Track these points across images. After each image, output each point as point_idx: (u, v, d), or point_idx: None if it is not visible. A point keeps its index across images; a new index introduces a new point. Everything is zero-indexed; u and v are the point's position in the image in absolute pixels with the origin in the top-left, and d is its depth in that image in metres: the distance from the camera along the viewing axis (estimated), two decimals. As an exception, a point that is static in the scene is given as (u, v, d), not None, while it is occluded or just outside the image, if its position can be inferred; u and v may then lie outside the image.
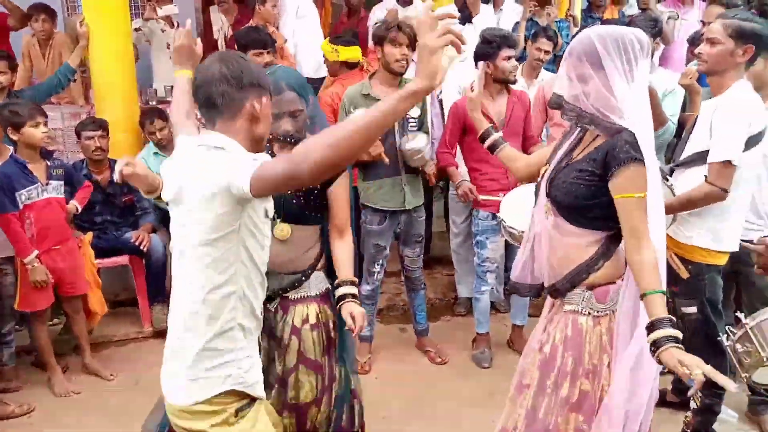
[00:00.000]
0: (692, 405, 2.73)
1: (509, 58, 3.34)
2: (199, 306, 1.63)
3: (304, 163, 1.37)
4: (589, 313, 1.88)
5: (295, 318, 2.16)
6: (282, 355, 2.16)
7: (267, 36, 3.71)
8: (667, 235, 2.68)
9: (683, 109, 3.55)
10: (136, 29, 5.08)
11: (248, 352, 1.70)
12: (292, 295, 2.17)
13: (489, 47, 3.33)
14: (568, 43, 4.64)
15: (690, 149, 2.61)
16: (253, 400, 1.72)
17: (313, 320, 2.17)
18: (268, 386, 2.00)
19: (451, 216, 4.14)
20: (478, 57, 3.40)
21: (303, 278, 2.16)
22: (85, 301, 3.46)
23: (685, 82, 3.18)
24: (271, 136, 2.00)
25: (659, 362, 1.66)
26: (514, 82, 3.46)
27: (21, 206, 3.13)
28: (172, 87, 4.80)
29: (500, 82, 3.41)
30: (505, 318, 3.97)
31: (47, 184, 3.23)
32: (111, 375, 3.46)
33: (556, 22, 4.97)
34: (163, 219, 4.15)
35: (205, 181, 1.53)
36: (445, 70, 1.30)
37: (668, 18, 4.92)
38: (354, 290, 2.13)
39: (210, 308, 1.63)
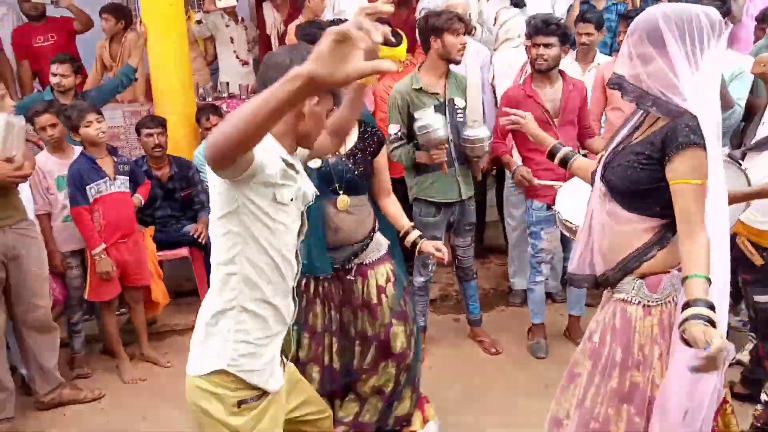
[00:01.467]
0: (763, 398, 2.62)
1: (543, 45, 3.22)
2: (212, 279, 1.69)
3: (216, 138, 1.34)
4: (640, 302, 1.81)
5: (378, 279, 2.48)
6: (372, 316, 2.47)
7: (318, 31, 3.72)
8: (740, 221, 2.60)
9: (752, 92, 3.38)
10: (198, 22, 5.22)
11: (253, 336, 1.67)
12: (366, 259, 2.49)
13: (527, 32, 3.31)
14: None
15: (762, 132, 2.49)
16: (263, 395, 1.70)
17: (392, 277, 2.52)
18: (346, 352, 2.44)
19: (507, 208, 4.07)
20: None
21: (369, 241, 2.48)
22: (148, 292, 3.60)
23: (758, 71, 3.00)
24: None
25: (684, 340, 1.55)
26: (547, 70, 3.29)
27: (91, 200, 3.28)
28: (245, 85, 4.99)
29: (538, 72, 3.32)
30: (561, 308, 3.90)
31: (115, 179, 3.37)
32: (168, 363, 3.60)
33: (614, 4, 4.80)
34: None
35: None
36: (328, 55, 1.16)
37: None
38: (419, 232, 2.61)
39: (218, 283, 1.66)
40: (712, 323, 1.53)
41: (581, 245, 1.99)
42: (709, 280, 1.61)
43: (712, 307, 1.56)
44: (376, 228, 2.56)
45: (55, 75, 3.87)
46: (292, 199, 1.64)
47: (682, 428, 1.72)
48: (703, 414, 1.74)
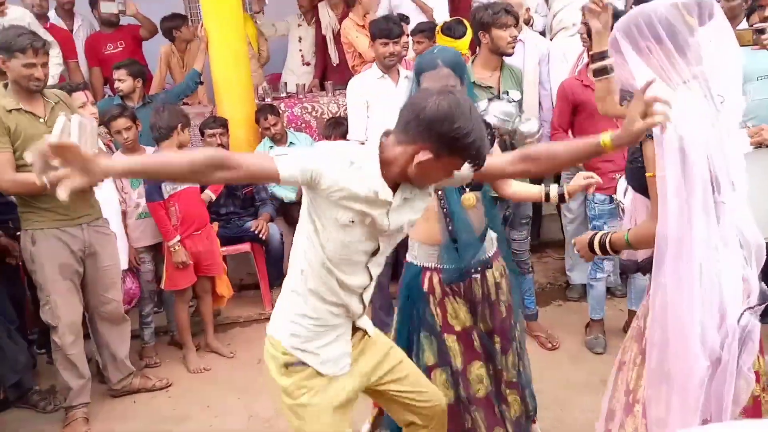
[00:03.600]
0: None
1: None
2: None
3: None
4: None
5: (495, 274, 2.41)
6: (492, 311, 2.39)
7: (394, 26, 3.68)
8: None
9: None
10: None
11: (307, 322, 1.83)
12: (485, 256, 2.39)
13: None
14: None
15: None
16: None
17: (505, 271, 2.46)
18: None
19: None
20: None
21: (485, 237, 2.41)
22: (213, 285, 3.76)
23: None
24: None
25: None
26: None
27: (166, 196, 3.47)
28: (302, 84, 5.13)
29: None
30: (621, 303, 3.81)
31: None
32: (231, 353, 3.74)
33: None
34: (280, 209, 4.41)
35: None
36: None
37: None
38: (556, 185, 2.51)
39: (291, 268, 1.87)
40: (592, 247, 1.96)
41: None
42: (629, 244, 1.86)
43: (603, 246, 1.93)
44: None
45: (116, 80, 4.09)
46: (352, 221, 1.72)
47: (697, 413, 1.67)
48: (725, 401, 1.69)
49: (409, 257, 2.44)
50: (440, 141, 1.59)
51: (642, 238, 1.81)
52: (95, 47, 5.20)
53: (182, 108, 3.80)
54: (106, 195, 3.31)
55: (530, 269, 3.57)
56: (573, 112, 3.36)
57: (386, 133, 1.72)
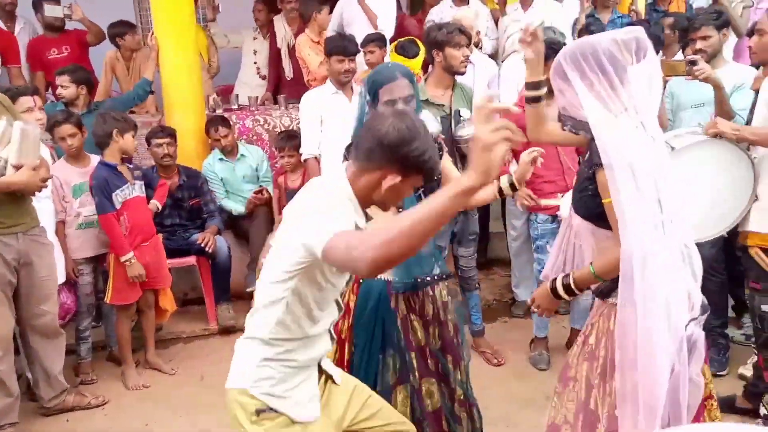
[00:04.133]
0: (762, 411, 2.61)
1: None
2: (255, 303, 1.81)
3: (361, 261, 1.37)
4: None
5: (443, 293, 2.43)
6: (441, 330, 2.40)
7: (350, 43, 3.74)
8: (750, 231, 2.64)
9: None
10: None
11: (277, 364, 1.77)
12: (437, 271, 2.40)
13: (549, 50, 3.28)
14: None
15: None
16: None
17: (449, 291, 2.47)
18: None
19: (508, 218, 4.08)
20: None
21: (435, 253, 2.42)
22: (156, 299, 3.65)
23: (756, 87, 3.03)
24: None
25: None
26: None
27: (118, 206, 3.36)
28: (254, 97, 5.07)
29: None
30: (563, 320, 3.89)
31: (134, 184, 3.45)
32: (172, 370, 3.63)
33: (619, 17, 4.83)
34: (228, 222, 4.34)
35: (295, 228, 1.64)
36: (498, 164, 1.24)
37: (743, 8, 4.67)
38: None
39: (257, 311, 1.80)
40: (556, 292, 1.98)
41: (555, 259, 2.10)
42: (596, 276, 1.88)
43: (567, 288, 1.95)
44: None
45: (58, 86, 3.96)
46: None
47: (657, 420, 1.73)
48: (682, 407, 1.76)
49: None
50: (404, 163, 1.64)
51: (610, 265, 1.81)
52: (38, 51, 5.04)
53: (124, 114, 3.68)
54: (43, 204, 3.18)
55: (477, 285, 3.61)
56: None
57: (346, 164, 1.74)
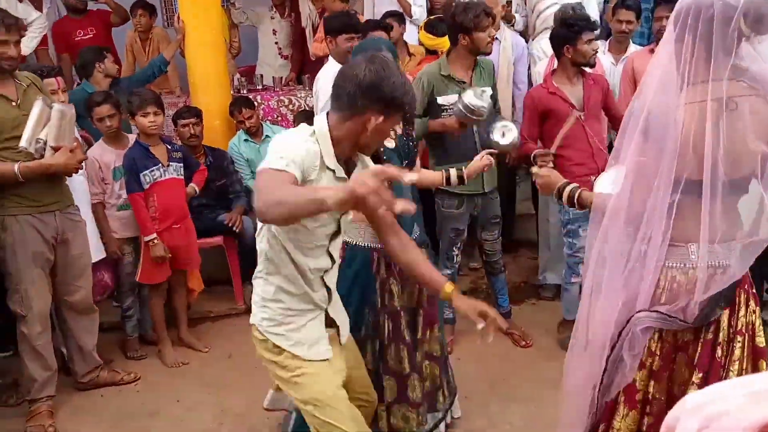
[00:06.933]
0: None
1: (590, 41, 3.22)
2: None
3: (257, 204, 1.54)
4: None
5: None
6: (420, 291, 2.53)
7: (357, 21, 3.74)
8: None
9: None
10: (232, 4, 5.32)
11: (275, 306, 1.89)
12: (414, 237, 2.44)
13: (570, 31, 3.23)
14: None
15: None
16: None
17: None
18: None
19: (543, 201, 4.03)
20: (557, 40, 3.30)
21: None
22: (184, 279, 3.69)
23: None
24: None
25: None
26: (593, 66, 3.33)
27: (146, 186, 3.37)
28: (279, 77, 5.06)
29: (578, 66, 3.30)
30: (592, 303, 3.86)
31: (168, 165, 3.45)
32: (205, 347, 3.67)
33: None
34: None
35: None
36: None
37: None
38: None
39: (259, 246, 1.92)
40: (560, 193, 2.04)
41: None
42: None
43: (571, 199, 2.02)
44: None
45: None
46: None
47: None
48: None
49: (353, 239, 2.48)
50: (385, 101, 1.69)
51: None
52: (64, 33, 5.07)
53: (153, 94, 3.67)
54: (76, 182, 3.21)
55: (502, 269, 3.58)
56: (542, 120, 3.36)
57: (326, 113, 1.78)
